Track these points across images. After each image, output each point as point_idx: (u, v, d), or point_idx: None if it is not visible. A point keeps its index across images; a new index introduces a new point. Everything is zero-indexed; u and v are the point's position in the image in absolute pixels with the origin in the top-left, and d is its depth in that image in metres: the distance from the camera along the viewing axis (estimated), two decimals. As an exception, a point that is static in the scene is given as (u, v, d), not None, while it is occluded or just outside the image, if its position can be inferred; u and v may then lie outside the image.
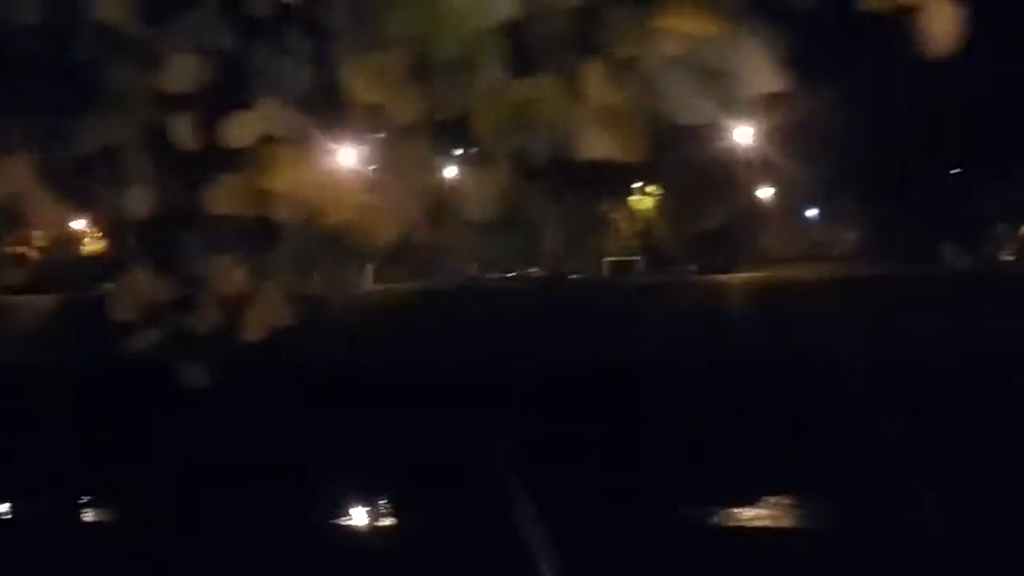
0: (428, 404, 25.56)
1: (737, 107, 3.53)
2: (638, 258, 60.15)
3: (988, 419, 22.85)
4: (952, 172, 53.83)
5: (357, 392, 27.40)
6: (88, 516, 21.16)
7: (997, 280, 38.91)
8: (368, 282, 44.86)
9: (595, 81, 3.41)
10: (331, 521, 18.57)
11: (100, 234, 58.17)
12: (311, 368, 28.94)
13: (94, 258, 57.44)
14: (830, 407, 24.10)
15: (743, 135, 52.72)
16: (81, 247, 58.07)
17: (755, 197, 55.83)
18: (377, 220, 4.05)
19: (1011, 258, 58.57)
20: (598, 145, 3.41)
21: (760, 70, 3.40)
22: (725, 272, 45.02)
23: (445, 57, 3.47)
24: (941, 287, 35.39)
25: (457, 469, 20.04)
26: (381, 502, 20.04)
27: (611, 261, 59.71)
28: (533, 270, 57.73)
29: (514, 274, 57.01)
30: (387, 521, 19.61)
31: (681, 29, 3.28)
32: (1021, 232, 54.23)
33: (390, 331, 35.55)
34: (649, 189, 60.04)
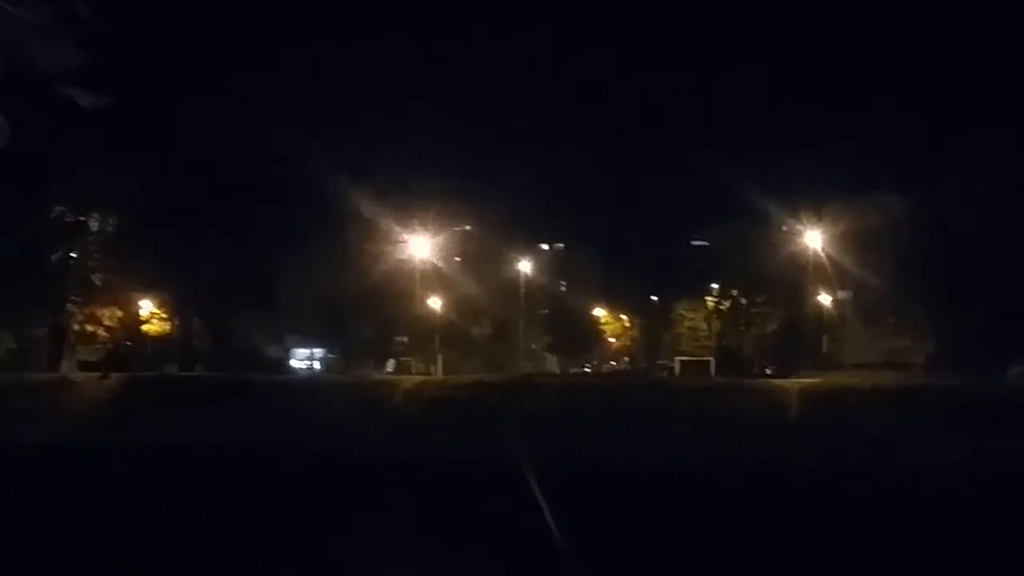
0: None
1: None
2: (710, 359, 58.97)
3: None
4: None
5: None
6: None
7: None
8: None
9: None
10: None
11: (165, 316, 58.67)
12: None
13: (158, 339, 57.79)
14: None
15: (812, 239, 52.01)
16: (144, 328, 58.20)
17: (821, 303, 54.84)
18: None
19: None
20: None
21: None
22: (786, 377, 43.90)
23: None
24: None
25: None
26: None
27: (683, 360, 59.05)
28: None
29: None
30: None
31: None
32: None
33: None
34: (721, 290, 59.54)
